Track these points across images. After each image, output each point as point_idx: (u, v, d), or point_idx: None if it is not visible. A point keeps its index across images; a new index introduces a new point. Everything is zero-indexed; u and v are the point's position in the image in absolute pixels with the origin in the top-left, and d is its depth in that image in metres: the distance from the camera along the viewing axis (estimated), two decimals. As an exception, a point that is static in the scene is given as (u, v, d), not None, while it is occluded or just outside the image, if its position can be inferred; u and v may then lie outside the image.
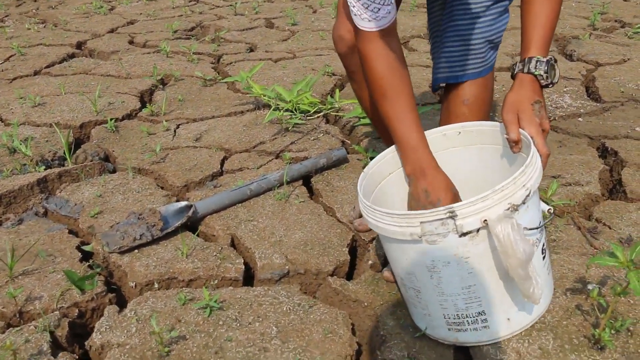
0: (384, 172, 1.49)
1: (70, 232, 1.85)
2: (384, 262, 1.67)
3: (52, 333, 1.40)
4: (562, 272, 1.54)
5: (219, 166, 2.25)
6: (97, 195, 2.02)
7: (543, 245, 1.30)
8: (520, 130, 1.34)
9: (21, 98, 2.94)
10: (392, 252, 1.31)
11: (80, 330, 1.49)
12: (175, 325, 1.41)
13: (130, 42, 4.08)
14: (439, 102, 2.81)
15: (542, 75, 1.38)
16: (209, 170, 2.20)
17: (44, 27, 4.46)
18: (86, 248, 1.75)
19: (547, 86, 1.40)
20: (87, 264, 1.66)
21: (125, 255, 1.69)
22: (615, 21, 4.49)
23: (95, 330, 1.40)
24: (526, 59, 1.39)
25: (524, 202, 1.19)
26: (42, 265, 1.66)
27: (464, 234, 1.17)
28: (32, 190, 2.04)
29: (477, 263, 1.21)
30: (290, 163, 2.18)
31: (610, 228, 1.76)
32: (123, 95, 2.98)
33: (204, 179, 2.16)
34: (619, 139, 2.35)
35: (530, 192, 1.20)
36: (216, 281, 1.60)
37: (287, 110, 2.63)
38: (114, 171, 2.28)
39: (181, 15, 4.79)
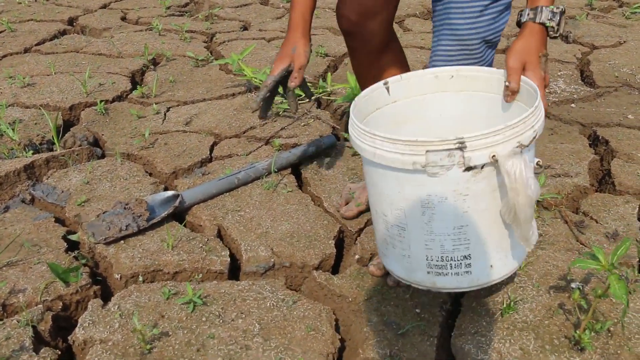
0: (372, 106, 1.45)
1: (57, 220, 1.85)
2: (371, 256, 1.67)
3: (35, 327, 1.41)
4: (546, 269, 1.55)
5: (208, 152, 2.23)
6: (84, 182, 2.01)
7: None
8: (523, 79, 1.32)
9: (10, 77, 2.91)
10: (383, 183, 1.26)
11: (64, 323, 1.50)
12: (158, 321, 1.41)
13: (123, 19, 4.03)
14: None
15: (553, 28, 1.35)
16: (198, 156, 2.19)
17: (35, 1, 4.40)
18: (72, 237, 1.74)
19: (554, 38, 1.38)
20: (73, 254, 1.66)
21: (110, 246, 1.69)
22: (614, 0, 4.45)
23: (78, 325, 1.41)
24: (538, 8, 1.35)
25: (528, 145, 1.16)
26: (27, 255, 1.65)
27: (468, 169, 1.15)
28: (18, 177, 2.03)
29: (474, 202, 1.18)
30: (279, 150, 2.17)
31: (597, 222, 1.76)
32: (114, 76, 2.95)
33: (193, 165, 2.15)
34: (610, 127, 2.34)
35: (536, 135, 1.18)
36: (201, 275, 1.60)
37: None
38: (102, 156, 2.27)
39: (176, -9, 4.72)
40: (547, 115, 2.48)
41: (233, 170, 1.99)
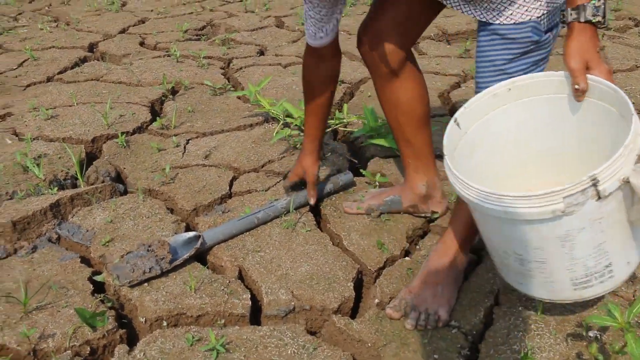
0: (451, 147, 1.46)
1: (83, 260, 1.90)
2: (390, 299, 1.70)
3: (64, 375, 1.45)
4: (564, 315, 1.57)
5: (228, 188, 2.28)
6: (108, 221, 2.06)
7: None
8: (596, 78, 1.34)
9: (34, 109, 2.98)
10: (512, 232, 1.31)
11: (92, 368, 1.54)
12: (183, 369, 1.45)
13: (141, 44, 4.10)
14: (450, 115, 2.82)
15: (601, 21, 1.35)
16: (218, 192, 2.24)
17: (57, 26, 4.49)
18: (98, 279, 1.79)
19: (601, 28, 1.39)
20: (99, 297, 1.71)
21: (135, 289, 1.73)
22: (630, 19, 4.45)
23: (106, 373, 1.45)
24: (580, 7, 1.34)
25: None
26: (55, 299, 1.70)
27: (604, 197, 1.20)
28: (45, 216, 2.08)
29: (607, 220, 1.25)
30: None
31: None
32: (134, 106, 3.01)
33: (213, 202, 2.19)
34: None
35: None
36: (223, 320, 1.64)
37: (295, 126, 2.65)
38: (125, 192, 2.32)
39: (192, 13, 4.79)
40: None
41: (252, 210, 2.03)
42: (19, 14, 4.81)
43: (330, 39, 1.81)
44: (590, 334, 1.49)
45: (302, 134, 2.60)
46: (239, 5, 5.00)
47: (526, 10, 1.46)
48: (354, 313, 1.72)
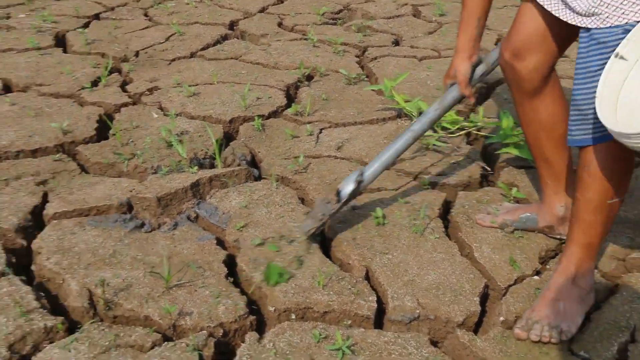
0: (617, 85, 1.44)
1: (218, 242, 2.00)
2: (516, 319, 1.68)
3: (200, 354, 1.55)
4: None
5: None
6: (242, 205, 2.16)
7: None
8: None
9: (178, 85, 3.13)
10: None
11: (224, 349, 1.64)
12: (309, 365, 1.51)
13: (279, 25, 4.19)
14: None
15: None
16: (348, 186, 2.27)
17: (201, 1, 4.66)
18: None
19: None
20: (231, 280, 1.80)
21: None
22: None
23: (237, 359, 1.54)
24: None
25: None
26: (193, 278, 1.81)
27: None
28: (186, 194, 2.20)
29: None
30: (427, 185, 2.20)
31: None
32: (270, 89, 3.10)
33: (343, 196, 2.23)
34: None
35: None
36: (349, 320, 1.68)
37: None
38: (259, 177, 2.40)
39: (330, -5, 4.83)
40: None
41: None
42: (167, -14, 5.03)
43: None
44: None
45: (434, 133, 2.59)
46: (376, -11, 4.98)
47: (623, 13, 1.44)
48: (477, 327, 1.72)
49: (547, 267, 1.91)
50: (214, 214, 2.12)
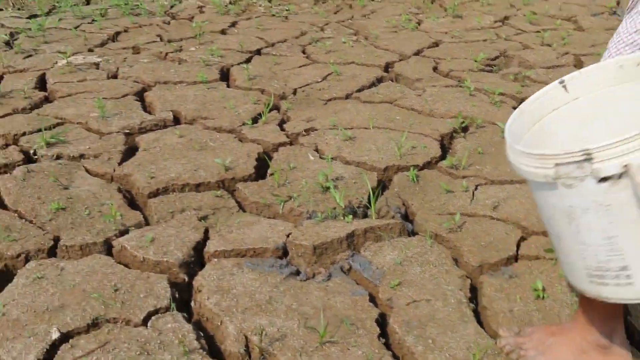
0: (546, 108, 1.41)
1: (371, 299, 1.99)
2: None
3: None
4: None
5: (515, 248, 2.23)
6: (397, 262, 2.14)
7: None
8: None
9: (334, 126, 3.19)
10: (534, 194, 1.30)
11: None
12: None
13: (434, 69, 4.17)
14: None
15: None
16: (505, 251, 2.20)
17: (356, 40, 4.75)
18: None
19: None
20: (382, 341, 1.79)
21: (419, 342, 1.77)
22: None
23: None
24: None
25: None
26: (346, 335, 1.81)
27: (602, 179, 1.11)
28: (340, 244, 2.22)
29: (620, 212, 1.13)
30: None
31: None
32: (425, 138, 3.08)
33: (499, 261, 2.16)
34: None
35: None
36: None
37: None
38: (413, 232, 2.38)
39: (485, 40, 4.76)
40: None
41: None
42: (326, 24, 5.17)
43: None
44: None
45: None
46: (535, 36, 4.84)
47: None
48: None
49: None
50: (368, 268, 2.12)
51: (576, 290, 1.33)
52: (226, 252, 2.20)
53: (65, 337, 1.78)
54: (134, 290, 1.97)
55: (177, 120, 3.33)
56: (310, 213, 2.45)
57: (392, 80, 4.01)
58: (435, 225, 2.37)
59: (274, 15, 5.42)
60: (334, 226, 2.31)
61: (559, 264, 1.38)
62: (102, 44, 4.58)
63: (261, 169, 2.85)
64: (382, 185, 2.72)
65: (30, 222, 2.37)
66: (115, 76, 3.95)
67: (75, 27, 4.86)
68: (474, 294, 2.03)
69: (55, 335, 1.76)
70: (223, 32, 4.95)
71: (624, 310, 1.73)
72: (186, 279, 2.10)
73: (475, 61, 4.22)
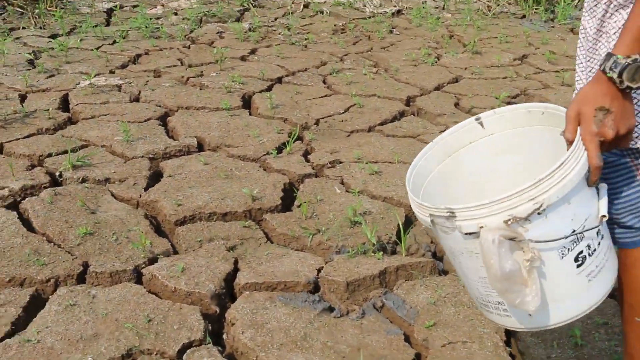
0: (462, 141, 1.54)
1: (406, 338, 1.97)
2: None
3: None
4: None
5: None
6: (430, 302, 2.12)
7: (580, 253, 1.29)
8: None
9: (358, 160, 3.19)
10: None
11: None
12: None
13: (456, 105, 4.18)
14: None
15: (614, 79, 1.24)
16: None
17: (376, 72, 4.77)
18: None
19: (628, 89, 1.24)
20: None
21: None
22: None
23: None
24: (609, 55, 1.25)
25: (528, 218, 1.20)
26: (383, 376, 1.79)
27: (467, 234, 1.25)
28: (373, 281, 2.20)
29: None
30: None
31: None
32: (451, 175, 3.07)
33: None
34: None
35: (541, 206, 1.21)
36: None
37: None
38: (444, 271, 2.36)
39: (505, 78, 4.77)
40: None
41: None
42: (345, 55, 5.20)
43: None
44: None
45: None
46: (554, 76, 4.86)
47: None
48: None
49: None
50: (401, 306, 2.10)
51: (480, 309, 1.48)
52: (257, 285, 2.18)
53: (99, 368, 1.75)
54: (167, 322, 1.95)
55: (200, 147, 3.33)
56: (339, 247, 2.43)
57: (413, 115, 4.02)
58: (466, 265, 2.35)
59: (293, 43, 5.45)
60: (365, 262, 2.29)
61: None
62: (123, 66, 4.60)
63: (287, 199, 2.83)
64: (409, 221, 2.71)
65: (59, 246, 2.35)
66: (137, 99, 3.95)
67: (97, 48, 4.87)
68: (509, 337, 2.01)
69: (89, 365, 1.73)
70: (243, 58, 4.96)
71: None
72: (217, 310, 2.08)
73: (497, 98, 4.23)
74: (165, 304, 2.04)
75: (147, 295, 2.08)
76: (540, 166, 1.45)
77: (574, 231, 1.27)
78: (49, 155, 3.06)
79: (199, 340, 1.88)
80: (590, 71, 1.45)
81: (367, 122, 3.75)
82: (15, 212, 2.52)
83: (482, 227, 1.22)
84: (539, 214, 1.22)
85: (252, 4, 6.68)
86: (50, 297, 2.06)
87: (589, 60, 1.47)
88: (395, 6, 7.00)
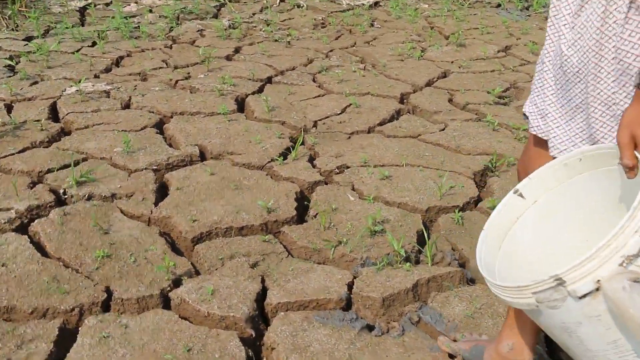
0: (511, 219, 1.49)
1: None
2: None
3: None
4: None
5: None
6: (467, 314, 2.11)
7: None
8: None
9: (365, 163, 3.15)
10: (528, 315, 1.35)
11: None
12: None
13: (450, 101, 4.17)
14: None
15: None
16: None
17: (365, 68, 4.73)
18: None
19: None
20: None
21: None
22: None
23: None
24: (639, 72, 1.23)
25: (638, 252, 1.11)
26: (436, 397, 1.77)
27: (583, 296, 1.14)
28: (407, 295, 2.18)
29: (612, 318, 1.14)
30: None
31: None
32: (459, 177, 3.06)
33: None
34: None
35: None
36: None
37: None
38: (472, 280, 2.35)
39: (493, 71, 4.79)
40: None
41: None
42: (330, 51, 5.14)
43: None
44: None
45: None
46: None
47: None
48: None
49: None
50: (439, 321, 2.09)
51: None
52: (289, 305, 2.14)
53: (147, 405, 1.69)
54: (207, 350, 1.90)
55: (202, 155, 3.25)
56: (363, 259, 2.40)
57: (410, 113, 4.00)
58: (493, 273, 2.34)
59: (276, 40, 5.36)
60: (395, 275, 2.26)
61: None
62: (107, 70, 4.46)
63: (300, 208, 2.79)
64: (426, 228, 2.69)
65: (77, 271, 2.27)
66: (128, 106, 3.84)
67: (77, 51, 4.71)
68: (551, 347, 2.01)
69: (137, 404, 1.67)
70: (229, 58, 4.87)
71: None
72: (253, 334, 2.03)
73: (489, 93, 4.24)
74: (202, 330, 1.98)
75: (181, 322, 2.02)
76: (596, 210, 1.43)
77: None
78: (49, 171, 2.94)
79: (243, 368, 1.84)
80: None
81: (366, 123, 3.71)
82: (26, 236, 2.42)
83: (598, 280, 1.12)
84: None
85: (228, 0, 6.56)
86: (79, 328, 1.98)
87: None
88: (372, -2, 6.96)
